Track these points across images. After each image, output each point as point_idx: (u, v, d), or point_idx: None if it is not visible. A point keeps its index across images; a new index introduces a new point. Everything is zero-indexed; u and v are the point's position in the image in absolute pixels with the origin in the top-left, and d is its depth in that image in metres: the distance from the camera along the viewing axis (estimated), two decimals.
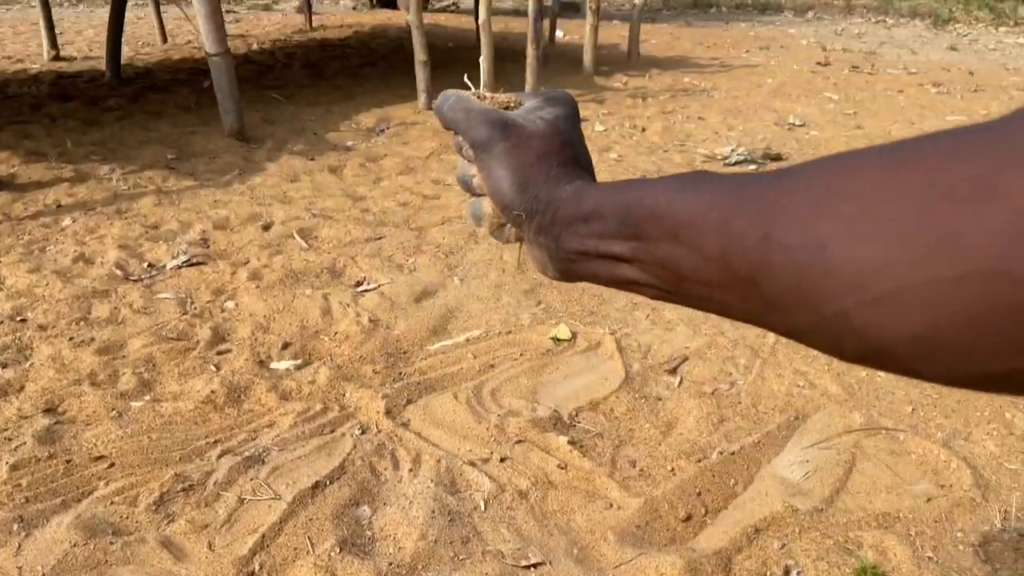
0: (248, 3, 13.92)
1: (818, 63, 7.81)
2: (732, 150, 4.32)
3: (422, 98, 5.31)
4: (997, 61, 8.21)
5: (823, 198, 0.30)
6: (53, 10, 11.74)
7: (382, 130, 4.79)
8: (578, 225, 0.45)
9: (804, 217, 0.30)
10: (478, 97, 0.52)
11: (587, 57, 6.81)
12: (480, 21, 5.45)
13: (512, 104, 0.52)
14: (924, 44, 9.70)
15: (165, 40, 8.47)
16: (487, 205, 0.52)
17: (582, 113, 4.75)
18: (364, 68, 7.02)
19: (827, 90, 6.41)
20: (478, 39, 8.72)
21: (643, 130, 5.00)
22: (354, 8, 13.67)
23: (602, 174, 3.97)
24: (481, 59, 5.61)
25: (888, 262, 0.27)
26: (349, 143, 4.47)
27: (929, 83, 6.70)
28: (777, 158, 4.35)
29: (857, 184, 0.29)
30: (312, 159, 4.09)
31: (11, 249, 2.78)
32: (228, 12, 12.73)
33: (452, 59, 7.66)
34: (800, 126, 5.14)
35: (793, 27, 11.69)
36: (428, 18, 11.31)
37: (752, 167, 4.17)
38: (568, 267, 0.47)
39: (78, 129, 4.48)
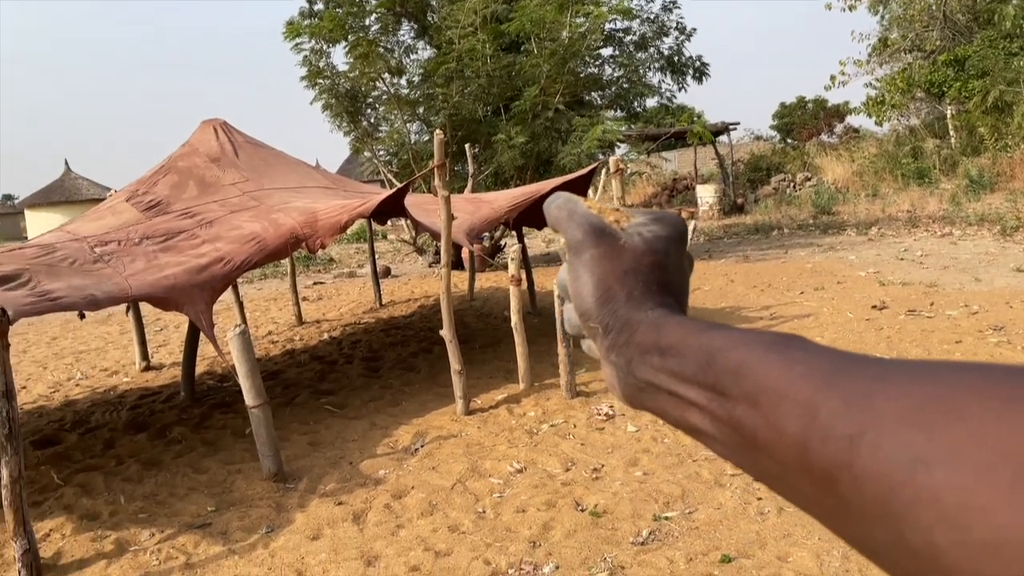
0: (335, 271, 15.22)
1: (874, 306, 7.70)
2: None
3: (459, 405, 5.49)
4: None
5: (934, 411, 0.27)
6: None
7: (416, 449, 4.93)
8: (653, 356, 0.42)
9: (908, 426, 0.28)
10: (589, 206, 0.52)
11: None
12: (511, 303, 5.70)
13: (620, 219, 0.51)
14: (989, 265, 9.47)
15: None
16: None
17: (617, 405, 4.74)
18: (419, 357, 7.39)
19: (878, 347, 6.26)
20: (533, 302, 9.16)
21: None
22: (430, 266, 14.68)
23: (623, 502, 3.91)
24: (516, 344, 5.84)
25: (1000, 506, 0.24)
26: (381, 472, 4.60)
27: (990, 328, 6.46)
28: None
29: (975, 408, 0.26)
30: (340, 503, 4.21)
31: None
32: (316, 283, 13.89)
33: (506, 332, 7.98)
34: None
35: (854, 251, 11.71)
36: (491, 279, 11.98)
37: None
38: (635, 394, 0.45)
39: (137, 476, 4.81)
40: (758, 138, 35.89)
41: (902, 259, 10.59)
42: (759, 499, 3.84)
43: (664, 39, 16.14)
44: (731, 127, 20.86)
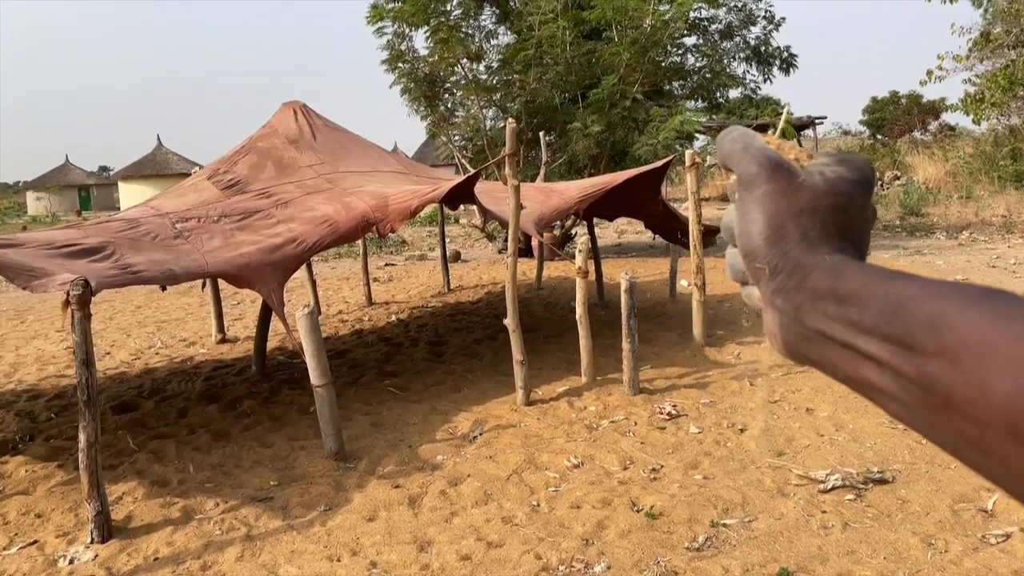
0: (406, 254, 15.42)
1: None
2: (827, 475, 4.04)
3: (519, 395, 5.48)
4: None
5: None
6: None
7: (475, 436, 4.95)
8: (828, 302, 0.40)
9: None
10: (767, 141, 0.49)
11: (696, 329, 6.82)
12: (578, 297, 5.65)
13: (800, 158, 0.48)
14: None
15: (319, 312, 9.45)
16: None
17: (682, 403, 4.66)
18: (483, 344, 7.41)
19: None
20: (601, 294, 9.07)
21: (742, 431, 4.83)
22: (499, 252, 14.72)
23: (680, 505, 3.83)
24: (581, 337, 5.78)
25: None
26: (439, 458, 4.63)
27: None
28: (881, 480, 4.01)
29: None
30: (397, 485, 4.26)
31: None
32: (387, 265, 14.12)
33: (572, 323, 7.93)
34: None
35: (942, 256, 11.17)
36: (560, 268, 11.93)
37: (850, 496, 3.86)
38: (799, 344, 0.42)
39: (206, 446, 4.98)
40: (846, 133, 34.60)
41: (993, 267, 10.04)
42: (823, 512, 3.71)
43: (751, 28, 15.63)
44: (817, 121, 20.20)
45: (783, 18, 16.00)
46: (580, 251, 5.63)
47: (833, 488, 3.96)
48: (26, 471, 4.70)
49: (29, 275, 3.80)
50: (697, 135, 12.69)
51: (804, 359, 0.42)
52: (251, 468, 4.60)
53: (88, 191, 51.05)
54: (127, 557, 3.59)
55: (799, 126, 18.87)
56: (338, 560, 3.50)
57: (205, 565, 3.50)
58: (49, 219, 37.30)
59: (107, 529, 3.72)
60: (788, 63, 16.42)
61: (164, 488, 4.35)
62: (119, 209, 39.92)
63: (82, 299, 3.60)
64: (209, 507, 4.09)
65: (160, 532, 3.81)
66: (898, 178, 21.47)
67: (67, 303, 3.63)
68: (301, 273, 9.14)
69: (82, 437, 3.65)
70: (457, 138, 13.69)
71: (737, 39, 15.44)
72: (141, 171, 40.51)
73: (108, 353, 7.83)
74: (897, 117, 34.38)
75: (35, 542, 3.78)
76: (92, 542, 3.69)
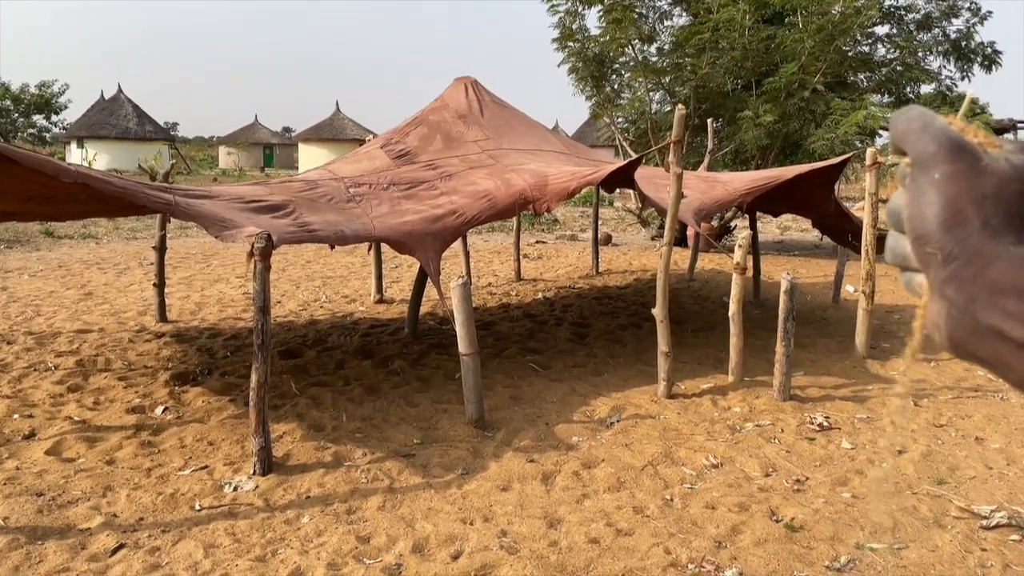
0: (557, 233, 15.51)
1: None
2: (992, 510, 3.71)
3: (661, 386, 5.40)
4: None
5: None
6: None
7: (612, 423, 4.94)
8: (1008, 298, 0.38)
9: None
10: (950, 122, 0.46)
11: (859, 339, 6.42)
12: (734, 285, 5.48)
13: (985, 143, 0.45)
14: None
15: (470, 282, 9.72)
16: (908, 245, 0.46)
17: (835, 416, 4.44)
18: (627, 330, 7.35)
19: None
20: (757, 293, 8.73)
21: (900, 452, 4.53)
22: (652, 239, 14.49)
23: (823, 522, 3.66)
24: (732, 334, 5.60)
25: None
26: (575, 439, 4.67)
27: None
28: None
29: None
30: (532, 460, 4.35)
31: (250, 550, 3.34)
32: (538, 242, 14.28)
33: (722, 319, 7.71)
34: None
35: None
36: (715, 261, 11.57)
37: (1015, 536, 3.53)
38: (968, 339, 0.40)
39: (359, 398, 5.29)
40: None
41: None
42: (983, 550, 3.42)
43: (953, 20, 14.33)
44: (1020, 125, 18.27)
45: (989, 12, 14.53)
46: (740, 246, 5.44)
47: (997, 526, 3.63)
48: (203, 401, 5.19)
49: (221, 225, 4.16)
50: (880, 132, 11.84)
51: (971, 356, 0.39)
52: (397, 424, 4.85)
53: (272, 149, 54.91)
54: (283, 492, 3.90)
55: (998, 129, 17.17)
56: (471, 524, 3.63)
57: (351, 509, 3.73)
58: (237, 173, 40.58)
59: (268, 464, 4.05)
60: (991, 60, 14.93)
61: (319, 433, 4.67)
62: (298, 168, 42.76)
63: (264, 251, 3.90)
64: (357, 456, 4.35)
65: (313, 473, 4.10)
66: None
67: (251, 254, 3.94)
68: (456, 244, 9.43)
69: (254, 377, 3.98)
70: (620, 120, 13.54)
71: (936, 31, 14.21)
72: (319, 134, 43.11)
73: (279, 302, 8.46)
74: None
75: (206, 467, 4.18)
76: (254, 474, 4.03)
